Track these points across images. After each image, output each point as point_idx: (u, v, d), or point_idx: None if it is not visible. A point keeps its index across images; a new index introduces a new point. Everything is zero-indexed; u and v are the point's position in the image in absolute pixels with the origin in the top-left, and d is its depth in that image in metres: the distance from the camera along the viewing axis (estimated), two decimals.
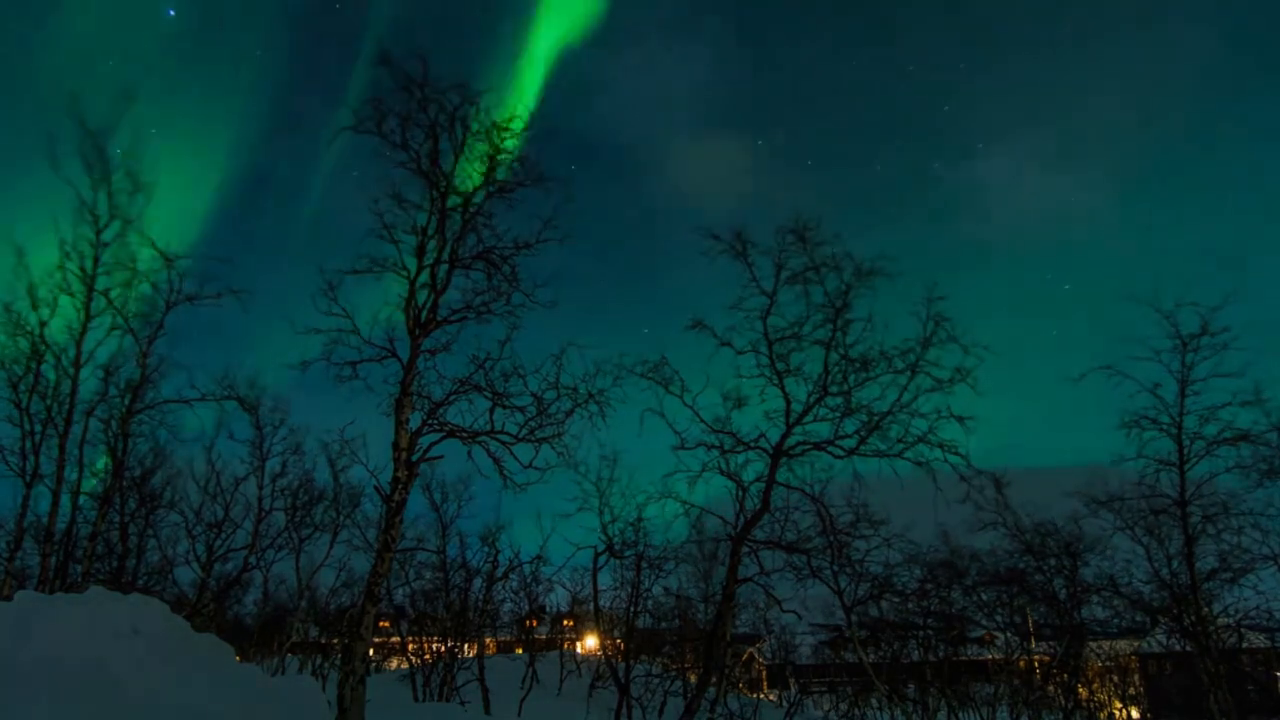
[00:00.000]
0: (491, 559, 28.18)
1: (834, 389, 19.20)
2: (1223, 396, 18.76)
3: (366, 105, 15.31)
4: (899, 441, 18.60)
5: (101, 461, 21.28)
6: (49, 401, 19.97)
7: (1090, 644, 34.40)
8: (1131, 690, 39.94)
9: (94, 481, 21.40)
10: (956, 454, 18.01)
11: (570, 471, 19.75)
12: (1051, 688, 32.63)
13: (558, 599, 39.18)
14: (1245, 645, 25.71)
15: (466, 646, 31.48)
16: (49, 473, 19.74)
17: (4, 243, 20.16)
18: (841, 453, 19.24)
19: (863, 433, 19.00)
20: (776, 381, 19.49)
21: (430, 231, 15.46)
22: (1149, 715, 39.40)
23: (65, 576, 20.31)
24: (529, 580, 29.79)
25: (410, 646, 32.90)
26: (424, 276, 15.36)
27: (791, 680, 49.01)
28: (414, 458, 14.62)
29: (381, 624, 41.62)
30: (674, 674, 27.30)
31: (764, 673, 54.10)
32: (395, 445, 14.42)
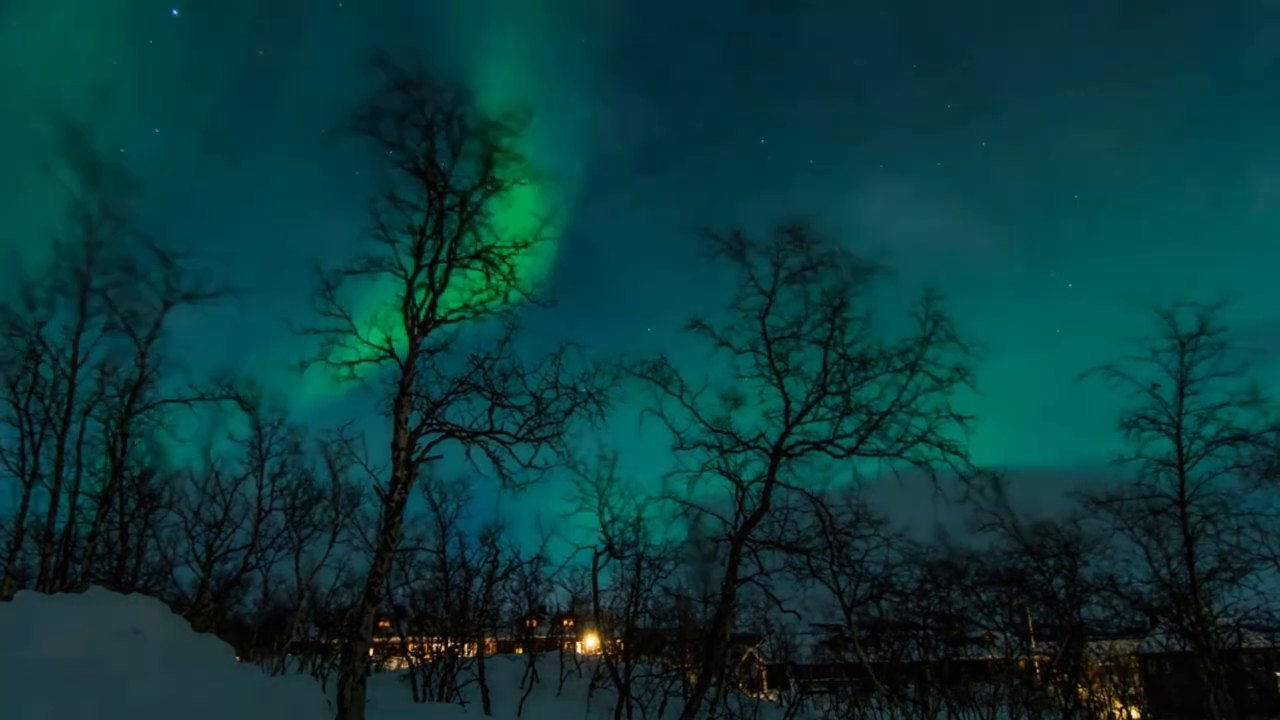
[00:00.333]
0: (491, 559, 28.16)
1: (833, 388, 19.27)
2: (1221, 396, 18.87)
3: (363, 104, 15.40)
4: (898, 441, 18.72)
5: (101, 461, 21.33)
6: (47, 402, 20.01)
7: (1090, 644, 34.39)
8: (1131, 690, 39.90)
9: (93, 481, 21.44)
10: (956, 453, 18.09)
11: (570, 471, 19.82)
12: (1051, 688, 32.60)
13: (558, 599, 39.15)
14: (1245, 645, 25.66)
15: (466, 646, 31.43)
16: (48, 473, 19.81)
17: None
18: (841, 452, 19.29)
19: (862, 432, 19.06)
20: (775, 381, 19.54)
21: (428, 231, 15.50)
22: (1149, 715, 39.35)
23: (65, 576, 20.32)
24: (529, 580, 29.76)
25: (410, 646, 32.84)
26: (422, 276, 15.39)
27: (791, 680, 48.91)
28: (413, 457, 14.64)
29: (381, 624, 41.58)
30: (674, 674, 27.23)
31: (764, 673, 54.02)
32: (394, 445, 14.44)
